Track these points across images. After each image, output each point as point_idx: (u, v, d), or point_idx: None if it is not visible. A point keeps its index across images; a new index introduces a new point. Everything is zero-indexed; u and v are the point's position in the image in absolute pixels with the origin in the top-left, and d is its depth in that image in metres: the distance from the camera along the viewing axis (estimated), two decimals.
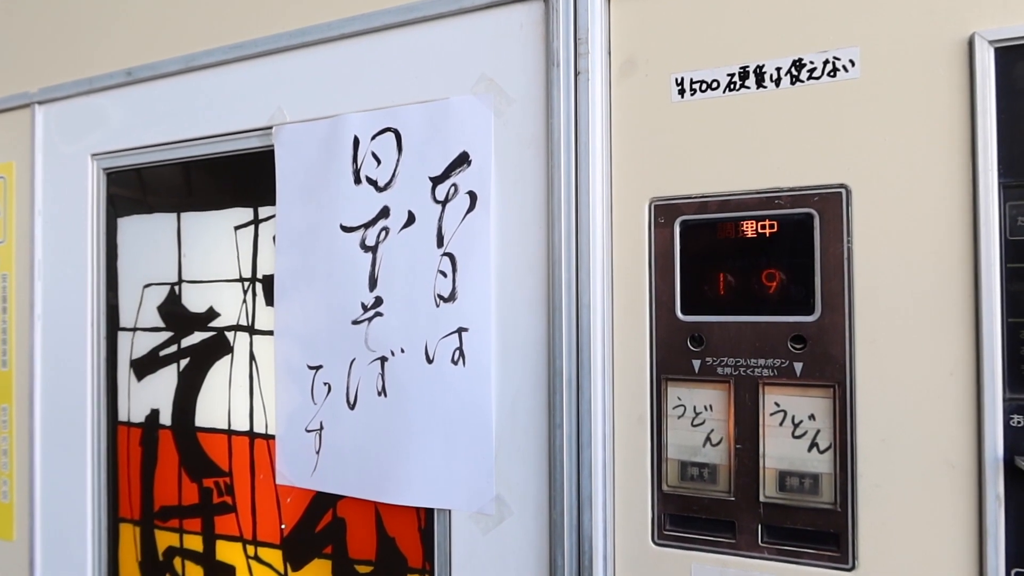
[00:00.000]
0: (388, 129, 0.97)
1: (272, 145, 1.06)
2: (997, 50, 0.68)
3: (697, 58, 0.81)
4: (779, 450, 0.77)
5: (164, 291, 1.18)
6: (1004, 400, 0.68)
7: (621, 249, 0.85)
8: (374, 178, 0.98)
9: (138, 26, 1.20)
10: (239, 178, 1.12)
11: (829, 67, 0.75)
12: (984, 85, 0.68)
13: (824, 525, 0.75)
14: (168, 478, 1.19)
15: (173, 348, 1.18)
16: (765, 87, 0.78)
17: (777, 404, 0.77)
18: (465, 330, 0.91)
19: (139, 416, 1.21)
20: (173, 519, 1.18)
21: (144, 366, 1.21)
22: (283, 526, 1.08)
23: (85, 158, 1.25)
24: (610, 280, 0.85)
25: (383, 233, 0.97)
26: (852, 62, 0.74)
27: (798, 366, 0.76)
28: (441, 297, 0.93)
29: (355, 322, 0.99)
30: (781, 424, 0.77)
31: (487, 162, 0.91)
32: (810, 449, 0.76)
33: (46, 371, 1.29)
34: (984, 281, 0.68)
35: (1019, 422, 0.68)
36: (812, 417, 0.76)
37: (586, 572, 0.84)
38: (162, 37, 1.17)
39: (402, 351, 0.95)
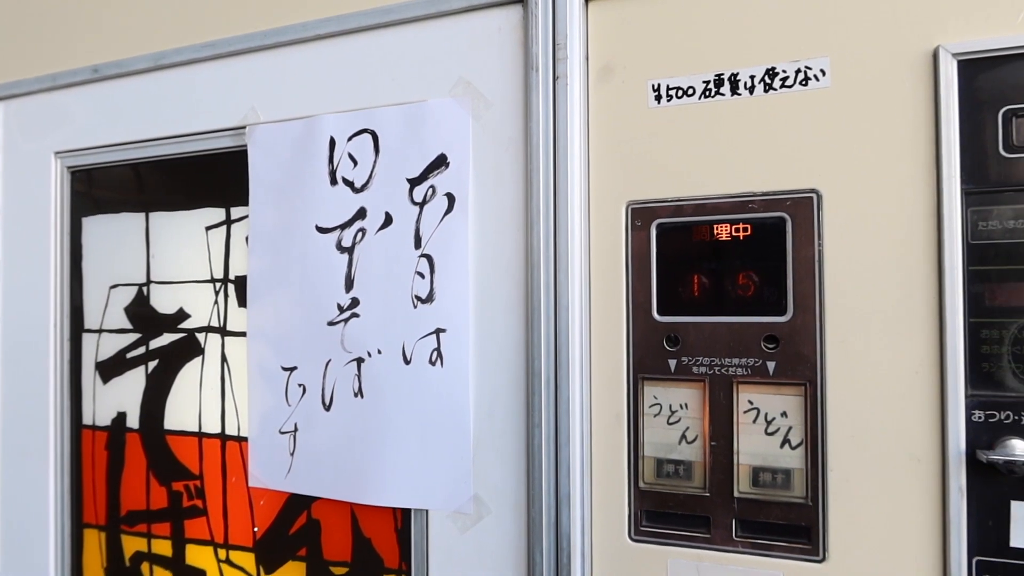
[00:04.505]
0: (365, 130, 0.97)
1: (245, 145, 1.05)
2: (960, 63, 0.71)
3: (673, 65, 0.83)
4: (752, 447, 0.79)
5: (132, 292, 1.16)
6: (966, 396, 0.71)
7: (598, 251, 0.86)
8: (351, 179, 0.98)
9: (105, 22, 1.18)
10: (211, 178, 1.10)
11: (801, 76, 0.77)
12: (948, 95, 0.71)
13: (796, 518, 0.78)
14: (136, 482, 1.16)
15: (141, 350, 1.16)
16: (739, 94, 0.80)
17: (751, 402, 0.80)
18: (443, 331, 0.92)
19: (105, 419, 1.19)
20: (141, 524, 1.16)
21: (110, 368, 1.18)
22: (256, 529, 1.07)
23: (48, 156, 1.22)
24: (588, 282, 0.86)
25: (360, 234, 0.97)
26: (823, 71, 0.77)
27: (771, 365, 0.79)
28: (419, 298, 0.93)
29: (331, 323, 0.99)
30: (754, 421, 0.79)
31: (465, 164, 0.91)
32: (782, 445, 0.78)
33: (6, 373, 1.26)
34: (947, 283, 0.71)
35: (980, 417, 0.71)
36: (784, 414, 0.78)
37: (564, 570, 0.85)
38: (130, 34, 1.15)
39: (379, 352, 0.95)
